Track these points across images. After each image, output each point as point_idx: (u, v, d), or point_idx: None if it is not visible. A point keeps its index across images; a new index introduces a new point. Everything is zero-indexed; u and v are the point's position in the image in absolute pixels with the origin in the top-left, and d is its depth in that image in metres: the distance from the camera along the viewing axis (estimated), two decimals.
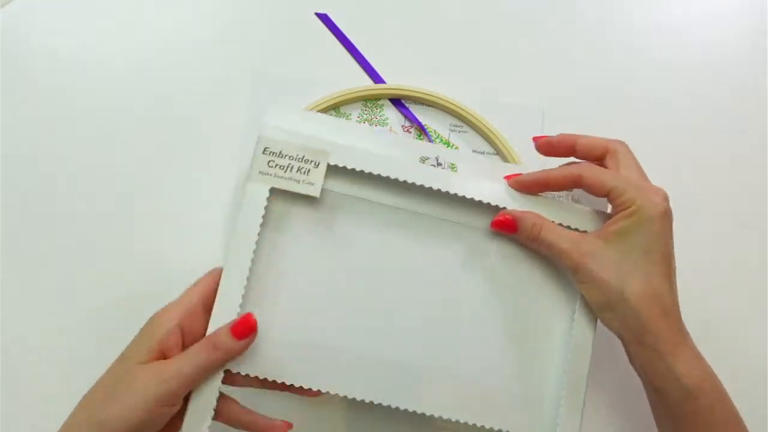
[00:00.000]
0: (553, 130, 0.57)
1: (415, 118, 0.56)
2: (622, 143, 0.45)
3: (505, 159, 0.55)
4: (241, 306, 0.41)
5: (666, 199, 0.42)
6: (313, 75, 0.57)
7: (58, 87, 0.57)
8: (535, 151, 0.55)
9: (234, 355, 0.40)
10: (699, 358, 0.42)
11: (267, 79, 0.57)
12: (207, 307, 0.41)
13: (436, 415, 0.42)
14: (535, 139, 0.47)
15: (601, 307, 0.42)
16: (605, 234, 0.42)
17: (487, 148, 0.56)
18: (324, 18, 0.59)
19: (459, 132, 0.57)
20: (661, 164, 0.57)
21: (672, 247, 0.42)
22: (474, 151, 0.56)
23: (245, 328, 0.40)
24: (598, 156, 0.45)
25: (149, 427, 0.38)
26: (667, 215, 0.42)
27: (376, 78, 0.57)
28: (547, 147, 0.46)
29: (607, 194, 0.42)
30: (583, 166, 0.43)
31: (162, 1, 0.59)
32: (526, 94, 0.57)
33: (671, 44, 0.60)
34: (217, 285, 0.41)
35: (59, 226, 0.54)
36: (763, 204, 0.56)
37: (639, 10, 0.61)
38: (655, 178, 0.56)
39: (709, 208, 0.56)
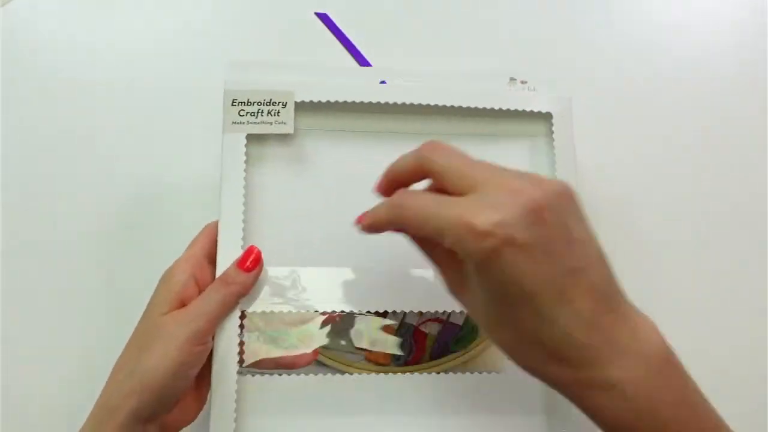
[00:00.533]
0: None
1: None
2: (430, 144, 0.35)
3: None
4: (243, 247, 0.43)
5: (489, 233, 0.29)
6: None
7: (59, 86, 0.57)
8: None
9: (247, 287, 0.42)
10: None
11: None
12: (211, 258, 0.43)
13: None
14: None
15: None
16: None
17: None
18: (324, 18, 0.59)
19: None
20: (661, 162, 0.58)
21: (532, 278, 0.30)
22: None
23: (252, 261, 0.42)
24: (417, 178, 0.35)
25: (187, 368, 0.39)
26: (495, 253, 0.29)
27: None
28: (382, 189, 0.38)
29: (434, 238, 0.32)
30: (400, 198, 0.34)
31: (161, 0, 0.59)
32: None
33: (672, 43, 0.60)
34: (215, 236, 0.43)
35: (59, 224, 0.53)
36: (764, 202, 0.56)
37: (640, 9, 0.61)
38: (656, 177, 0.56)
39: (710, 206, 0.56)
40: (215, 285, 0.41)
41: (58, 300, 0.51)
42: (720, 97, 0.59)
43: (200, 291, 0.42)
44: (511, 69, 0.48)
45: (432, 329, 0.52)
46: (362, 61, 0.58)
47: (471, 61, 0.59)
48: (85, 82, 0.57)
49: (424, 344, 0.51)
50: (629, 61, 0.60)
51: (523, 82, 0.47)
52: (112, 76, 0.57)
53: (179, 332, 0.39)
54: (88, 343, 0.50)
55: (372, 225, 0.36)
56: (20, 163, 0.55)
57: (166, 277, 0.41)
